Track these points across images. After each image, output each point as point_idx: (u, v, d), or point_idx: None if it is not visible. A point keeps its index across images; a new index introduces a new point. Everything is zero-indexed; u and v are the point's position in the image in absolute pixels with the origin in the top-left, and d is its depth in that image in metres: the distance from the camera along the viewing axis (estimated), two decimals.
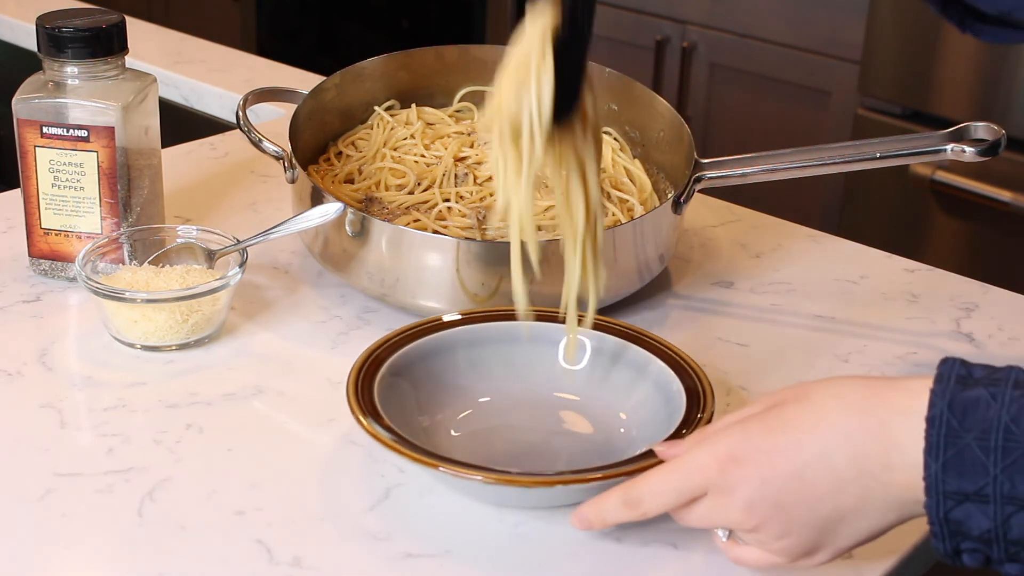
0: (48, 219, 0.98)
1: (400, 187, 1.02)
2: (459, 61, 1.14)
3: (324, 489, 0.77)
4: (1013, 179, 1.89)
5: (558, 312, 0.84)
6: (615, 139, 1.10)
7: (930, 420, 0.61)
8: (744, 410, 0.68)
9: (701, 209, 1.17)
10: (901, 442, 0.61)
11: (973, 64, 1.93)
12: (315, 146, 1.08)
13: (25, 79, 0.97)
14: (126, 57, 0.98)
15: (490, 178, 1.03)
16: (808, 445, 0.63)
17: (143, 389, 0.87)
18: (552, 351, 0.85)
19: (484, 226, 0.97)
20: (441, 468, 0.72)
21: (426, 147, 1.06)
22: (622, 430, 0.82)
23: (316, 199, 0.96)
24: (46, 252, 0.99)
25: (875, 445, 0.62)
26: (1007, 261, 1.95)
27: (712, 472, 0.65)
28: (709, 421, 0.75)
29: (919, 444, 0.61)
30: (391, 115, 1.10)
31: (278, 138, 1.04)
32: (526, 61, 0.72)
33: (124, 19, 0.98)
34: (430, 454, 0.72)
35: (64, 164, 0.96)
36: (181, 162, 1.24)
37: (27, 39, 1.64)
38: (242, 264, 0.93)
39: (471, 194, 1.01)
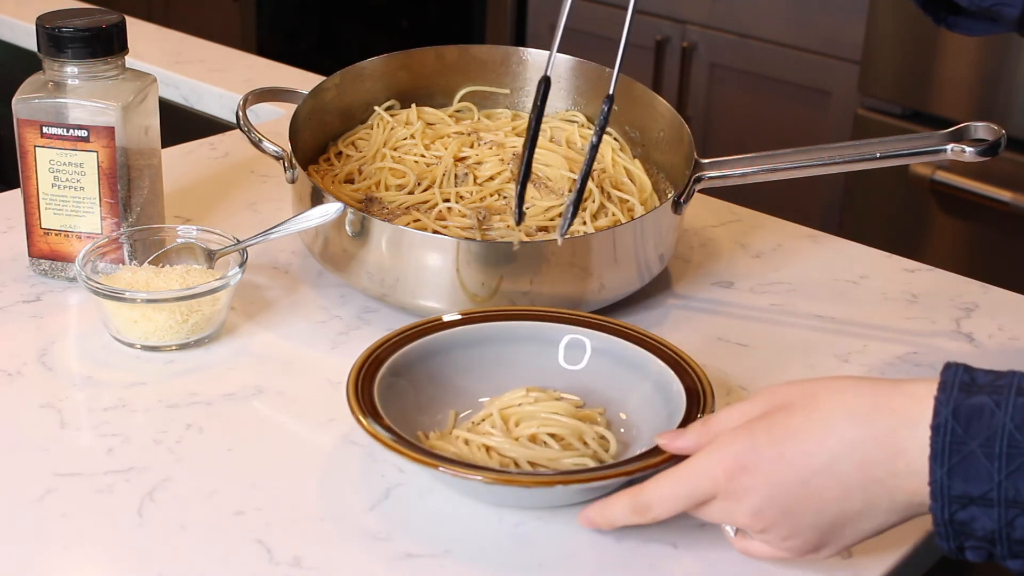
0: (48, 219, 0.98)
1: (400, 187, 1.02)
2: (459, 61, 1.14)
3: (324, 489, 0.77)
4: (1013, 179, 1.89)
5: (558, 311, 0.84)
6: (615, 139, 1.10)
7: (935, 428, 0.62)
8: (747, 404, 0.69)
9: (701, 209, 1.17)
10: (907, 449, 0.63)
11: (973, 64, 1.93)
12: (315, 146, 1.08)
13: (25, 79, 0.97)
14: (126, 57, 0.98)
15: (491, 178, 1.03)
16: (816, 455, 0.64)
17: (143, 389, 0.87)
18: (552, 351, 0.85)
19: (484, 226, 0.97)
20: (441, 468, 0.72)
21: (426, 147, 1.06)
22: (622, 430, 0.82)
23: (316, 199, 0.96)
24: (46, 252, 0.99)
25: (881, 453, 0.63)
26: (1007, 261, 1.95)
27: (720, 479, 0.66)
28: None
29: (924, 451, 0.62)
30: (391, 115, 1.10)
31: (278, 138, 1.04)
32: None
33: (124, 19, 0.98)
34: (430, 454, 0.72)
35: (64, 164, 0.96)
36: (181, 162, 1.24)
37: (27, 39, 1.64)
38: (242, 264, 0.93)
39: (471, 194, 1.01)
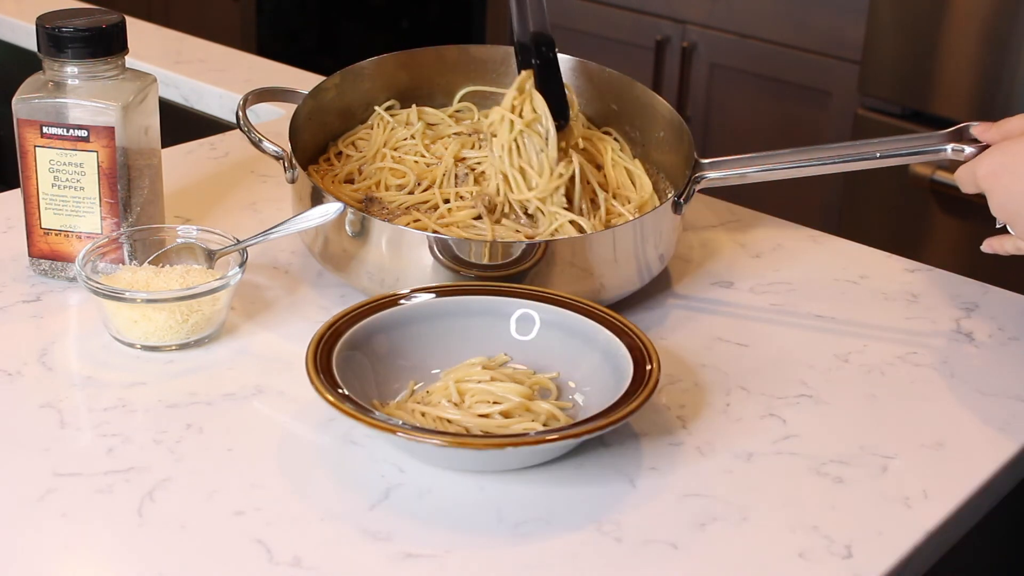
0: (48, 219, 0.98)
1: (400, 187, 1.02)
2: (459, 61, 1.14)
3: (324, 489, 0.77)
4: None
5: (509, 286, 0.89)
6: (615, 139, 1.10)
7: None
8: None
9: (701, 209, 1.17)
10: None
11: (973, 64, 1.93)
12: (315, 146, 1.08)
13: (25, 79, 0.97)
14: (126, 57, 0.98)
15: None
16: None
17: (143, 389, 0.87)
18: (504, 324, 0.88)
19: (495, 215, 0.97)
20: (399, 433, 0.74)
21: (426, 147, 1.06)
22: (571, 397, 0.85)
23: (316, 199, 0.96)
24: (46, 252, 0.99)
25: None
26: (1007, 261, 1.94)
27: (979, 180, 0.89)
28: (654, 388, 0.79)
29: None
30: (391, 115, 1.10)
31: (278, 138, 1.04)
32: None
33: (124, 19, 0.98)
34: (389, 421, 0.75)
35: (64, 164, 0.96)
36: (181, 162, 1.24)
37: (27, 39, 1.64)
38: (242, 264, 0.93)
39: (471, 194, 1.01)
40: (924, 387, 0.90)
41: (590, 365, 0.86)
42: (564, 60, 1.12)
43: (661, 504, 0.77)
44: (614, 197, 1.03)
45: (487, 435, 0.79)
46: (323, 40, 3.30)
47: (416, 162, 1.05)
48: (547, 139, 0.98)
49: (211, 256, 0.96)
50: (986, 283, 1.06)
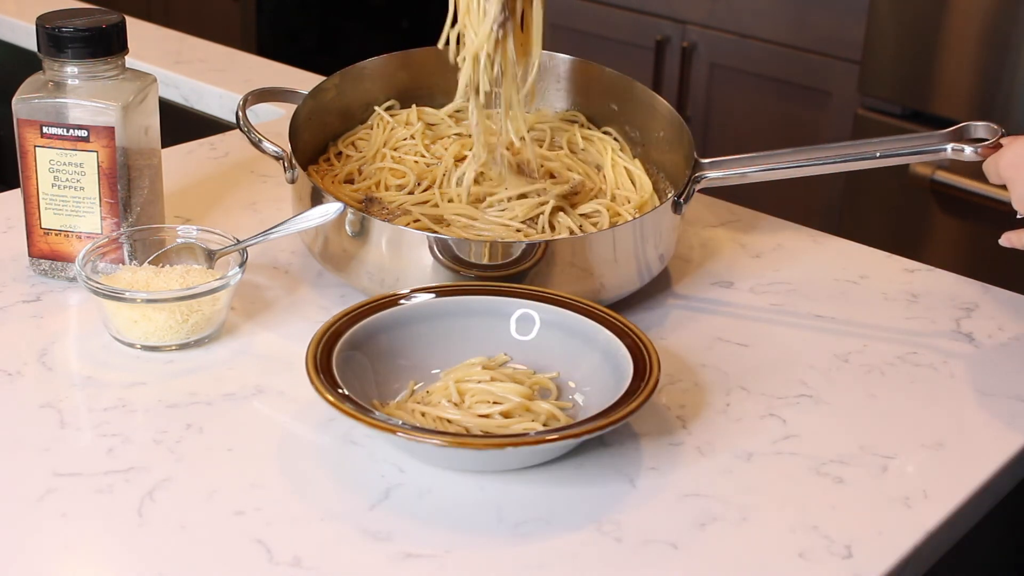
0: (48, 219, 0.98)
1: (400, 187, 1.02)
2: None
3: (324, 489, 0.77)
4: None
5: (509, 286, 0.88)
6: (615, 139, 1.10)
7: None
8: None
9: (701, 209, 1.17)
10: None
11: (973, 64, 1.93)
12: (315, 146, 1.08)
13: (25, 79, 0.97)
14: (126, 57, 0.98)
15: (491, 178, 1.03)
16: None
17: (143, 389, 0.87)
18: (504, 324, 0.88)
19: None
20: (399, 433, 0.74)
21: (426, 147, 1.06)
22: (571, 397, 0.85)
23: (316, 199, 0.96)
24: (46, 252, 0.99)
25: None
26: (1007, 261, 1.94)
27: (1000, 170, 0.90)
28: (654, 388, 0.79)
29: None
30: (391, 115, 1.10)
31: (278, 138, 1.04)
32: None
33: (124, 19, 0.98)
34: (389, 421, 0.75)
35: (64, 164, 0.96)
36: (181, 162, 1.24)
37: (27, 39, 1.64)
38: (242, 264, 0.93)
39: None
40: (924, 387, 0.90)
41: (590, 365, 0.86)
42: (564, 60, 1.12)
43: (661, 504, 0.77)
44: (613, 198, 1.03)
45: (487, 435, 0.79)
46: (323, 40, 3.30)
47: (416, 162, 1.05)
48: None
49: (211, 256, 0.96)
50: (986, 283, 1.06)
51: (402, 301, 0.88)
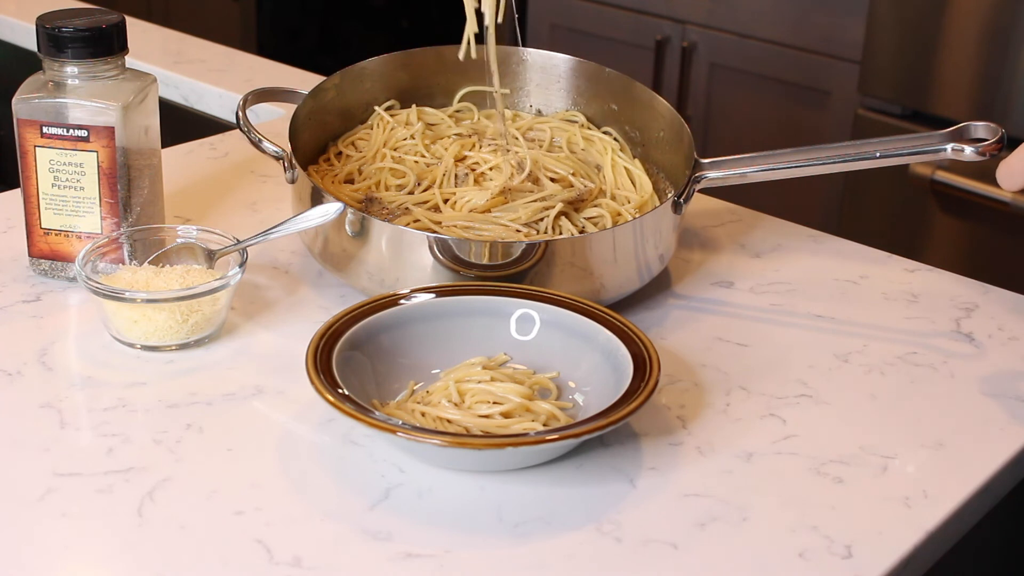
0: (48, 219, 0.98)
1: (400, 187, 1.02)
2: (459, 61, 1.13)
3: (324, 489, 0.77)
4: None
5: (508, 286, 0.88)
6: (615, 139, 1.10)
7: None
8: None
9: (701, 209, 1.17)
10: None
11: (973, 64, 1.93)
12: (315, 146, 1.08)
13: (25, 79, 0.97)
14: (126, 57, 0.98)
15: (491, 178, 1.03)
16: None
17: (143, 389, 0.87)
18: (504, 324, 0.88)
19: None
20: (399, 433, 0.74)
21: (426, 147, 1.06)
22: (571, 397, 0.85)
23: (316, 199, 0.96)
24: (46, 252, 0.99)
25: None
26: (1007, 261, 1.95)
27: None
28: (654, 388, 0.79)
29: None
30: (391, 115, 1.10)
31: (278, 138, 1.04)
32: None
33: (124, 19, 0.98)
34: (389, 420, 0.75)
35: (64, 164, 0.96)
36: (181, 162, 1.24)
37: (27, 39, 1.64)
38: (242, 264, 0.93)
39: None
40: (924, 387, 0.90)
41: (590, 365, 0.86)
42: (564, 60, 1.13)
43: (661, 504, 0.77)
44: (613, 198, 1.03)
45: (487, 435, 0.79)
46: (323, 40, 3.30)
47: (416, 162, 1.05)
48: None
49: (211, 256, 0.96)
50: (986, 283, 1.06)
51: (402, 301, 0.88)
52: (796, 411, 0.87)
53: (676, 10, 2.43)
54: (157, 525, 0.73)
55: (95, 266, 0.94)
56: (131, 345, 0.91)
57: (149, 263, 0.95)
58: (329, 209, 0.94)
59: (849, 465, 0.81)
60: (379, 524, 0.74)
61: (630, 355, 0.83)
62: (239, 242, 0.96)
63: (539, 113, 1.14)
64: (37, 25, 0.95)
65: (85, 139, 0.95)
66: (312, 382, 0.78)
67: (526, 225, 0.97)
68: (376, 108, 1.11)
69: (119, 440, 0.81)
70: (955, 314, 1.01)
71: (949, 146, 0.95)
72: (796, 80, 2.31)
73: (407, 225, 0.96)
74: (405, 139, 1.07)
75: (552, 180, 1.02)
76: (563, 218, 0.98)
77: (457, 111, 1.13)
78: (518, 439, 0.75)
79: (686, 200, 0.99)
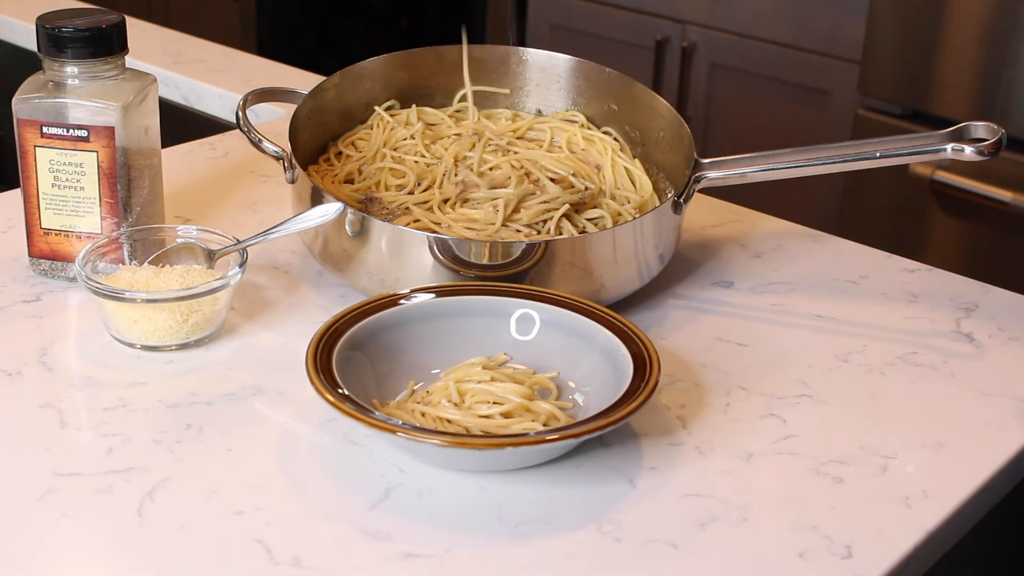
0: (48, 219, 0.98)
1: (400, 187, 1.02)
2: (459, 61, 1.14)
3: (324, 489, 0.77)
4: (1013, 179, 1.89)
5: (508, 286, 0.89)
6: (615, 139, 1.10)
7: None
8: None
9: (701, 209, 1.17)
10: None
11: (973, 64, 1.93)
12: (315, 146, 1.08)
13: (25, 79, 0.97)
14: (126, 57, 0.98)
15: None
16: None
17: (143, 389, 0.87)
18: (504, 324, 0.88)
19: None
20: (399, 433, 0.74)
21: (426, 147, 1.06)
22: (571, 397, 0.85)
23: (316, 199, 0.96)
24: (46, 252, 0.99)
25: None
26: (1007, 261, 1.95)
27: None
28: (654, 388, 0.79)
29: None
30: (391, 115, 1.10)
31: (278, 138, 1.04)
32: None
33: (124, 19, 0.98)
34: (389, 420, 0.75)
35: (64, 164, 0.96)
36: (181, 162, 1.24)
37: (27, 39, 1.64)
38: (242, 264, 0.93)
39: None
40: (924, 387, 0.90)
41: (590, 365, 0.86)
42: (564, 60, 1.13)
43: (661, 504, 0.77)
44: (613, 198, 1.03)
45: (487, 435, 0.79)
46: (323, 40, 3.30)
47: (416, 162, 1.05)
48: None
49: (211, 256, 0.96)
50: (986, 283, 1.06)
51: (402, 301, 0.88)
52: (796, 411, 0.87)
53: (676, 10, 2.43)
54: (157, 525, 0.73)
55: (95, 266, 0.94)
56: (131, 345, 0.91)
57: (149, 263, 0.95)
58: (329, 209, 0.94)
59: (849, 465, 0.81)
60: (379, 524, 0.74)
61: (630, 355, 0.83)
62: (239, 242, 0.96)
63: (539, 113, 1.14)
64: (37, 25, 0.95)
65: (85, 139, 0.95)
66: (312, 382, 0.78)
67: (527, 226, 0.97)
68: (376, 108, 1.11)
69: (119, 440, 0.81)
70: (955, 314, 1.01)
71: (949, 146, 0.95)
72: (796, 80, 2.31)
73: (407, 225, 0.96)
74: (405, 139, 1.07)
75: (552, 180, 1.02)
76: (564, 219, 0.98)
77: (457, 111, 1.13)
78: (518, 439, 0.75)
79: (686, 200, 0.99)
